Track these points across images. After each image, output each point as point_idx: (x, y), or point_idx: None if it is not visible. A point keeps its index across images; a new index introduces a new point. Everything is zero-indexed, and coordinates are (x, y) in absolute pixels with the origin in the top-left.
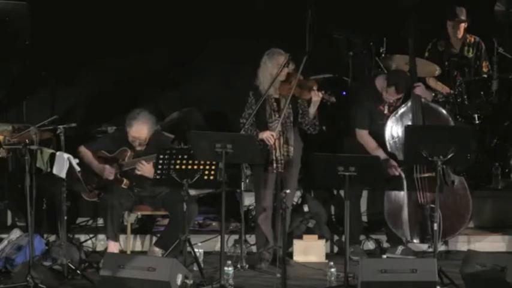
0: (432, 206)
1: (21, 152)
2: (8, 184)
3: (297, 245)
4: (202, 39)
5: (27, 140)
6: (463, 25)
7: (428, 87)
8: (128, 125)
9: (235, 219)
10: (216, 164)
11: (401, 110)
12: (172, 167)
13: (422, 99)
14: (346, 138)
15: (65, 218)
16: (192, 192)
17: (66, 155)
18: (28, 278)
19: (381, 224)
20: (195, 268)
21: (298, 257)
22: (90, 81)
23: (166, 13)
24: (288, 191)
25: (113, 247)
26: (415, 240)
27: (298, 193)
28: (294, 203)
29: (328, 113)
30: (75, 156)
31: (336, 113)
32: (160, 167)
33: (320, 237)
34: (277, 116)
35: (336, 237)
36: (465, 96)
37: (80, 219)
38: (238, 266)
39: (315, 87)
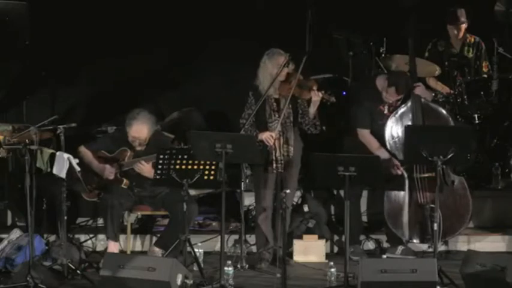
0: (432, 206)
1: (21, 152)
2: (8, 184)
3: (297, 245)
4: (202, 39)
5: (27, 140)
6: (463, 26)
7: (428, 87)
8: (127, 125)
9: (235, 219)
10: (216, 164)
11: (401, 110)
12: (172, 167)
13: (422, 99)
14: (346, 138)
15: (65, 218)
16: (192, 192)
17: (66, 155)
18: (28, 278)
19: (380, 224)
20: (195, 268)
21: (298, 257)
22: (90, 81)
23: (166, 13)
24: (288, 191)
25: (113, 247)
26: (415, 240)
27: (298, 193)
28: (294, 203)
29: (328, 113)
30: (75, 156)
31: (336, 113)
32: (160, 167)
33: (320, 237)
34: (277, 116)
35: (336, 237)
36: (465, 96)
37: (80, 219)
38: (238, 266)
39: (314, 87)
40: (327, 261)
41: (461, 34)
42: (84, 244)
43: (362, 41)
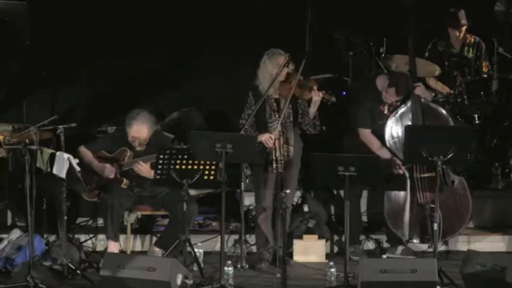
0: (432, 206)
1: (21, 152)
2: (8, 184)
3: (297, 245)
4: (202, 39)
5: (27, 140)
6: (464, 28)
7: (428, 87)
8: (127, 125)
9: (235, 219)
10: (216, 164)
11: (401, 110)
12: (172, 167)
13: (422, 99)
14: (346, 138)
15: (65, 218)
16: (192, 192)
17: (66, 155)
18: (28, 278)
19: (380, 224)
20: (195, 268)
21: (298, 257)
22: (90, 81)
23: (166, 13)
24: (288, 191)
25: (113, 247)
26: (415, 240)
27: (298, 193)
28: (294, 203)
29: (328, 113)
30: (75, 156)
31: (336, 113)
32: (160, 167)
33: (320, 237)
34: (277, 116)
35: (336, 237)
36: (465, 96)
37: (80, 219)
38: (238, 266)
39: (315, 87)
40: (327, 261)
41: (461, 35)
42: (84, 244)
43: (362, 41)
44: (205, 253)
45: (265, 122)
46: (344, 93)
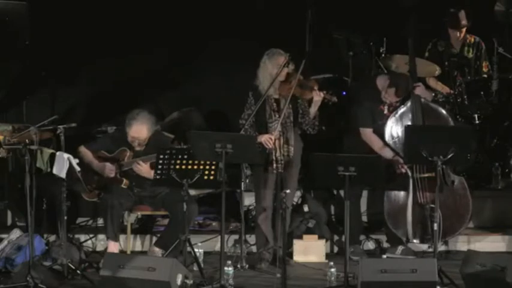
0: (432, 206)
1: (21, 152)
2: (8, 184)
3: (297, 245)
4: (202, 39)
5: (27, 140)
6: (464, 28)
7: (428, 87)
8: (127, 125)
9: (235, 219)
10: (216, 164)
11: (401, 110)
12: (172, 167)
13: (422, 99)
14: (346, 138)
15: (65, 218)
16: (192, 192)
17: (66, 155)
18: (28, 278)
19: (380, 224)
20: (195, 268)
21: (298, 257)
22: (90, 81)
23: (166, 13)
24: (288, 191)
25: (113, 247)
26: (415, 240)
27: (298, 193)
28: (294, 203)
29: (328, 113)
30: (75, 156)
31: (336, 113)
32: (160, 167)
33: (320, 237)
34: (277, 116)
35: (336, 237)
36: (465, 96)
37: (80, 219)
38: (238, 266)
39: (316, 87)
40: (327, 261)
41: (461, 35)
42: (84, 244)
43: (362, 41)
44: (205, 253)
45: (265, 122)
46: (344, 93)
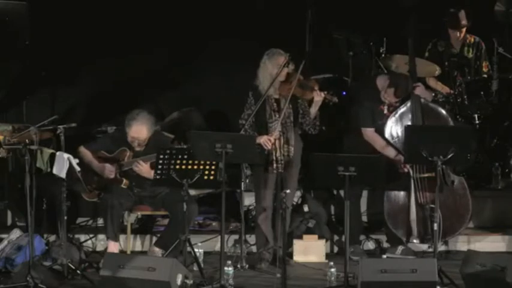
0: (432, 206)
1: (21, 152)
2: (8, 184)
3: (297, 245)
4: (202, 39)
5: (27, 140)
6: (464, 29)
7: (428, 87)
8: (127, 125)
9: (235, 219)
10: (216, 164)
11: (401, 110)
12: (172, 167)
13: (422, 99)
14: (346, 138)
15: (65, 218)
16: (192, 192)
17: (66, 155)
18: (28, 278)
19: (380, 224)
20: (195, 268)
21: (298, 257)
22: (90, 81)
23: (166, 13)
24: (288, 191)
25: (113, 247)
26: (415, 240)
27: (298, 193)
28: (294, 203)
29: (328, 113)
30: (75, 156)
31: (336, 113)
32: (160, 167)
33: (320, 237)
34: (277, 116)
35: (336, 237)
36: (465, 96)
37: (80, 219)
38: (238, 266)
39: (316, 88)
40: (327, 261)
41: (461, 35)
42: (84, 244)
43: (362, 41)
44: (205, 253)
45: (265, 122)
46: (344, 93)
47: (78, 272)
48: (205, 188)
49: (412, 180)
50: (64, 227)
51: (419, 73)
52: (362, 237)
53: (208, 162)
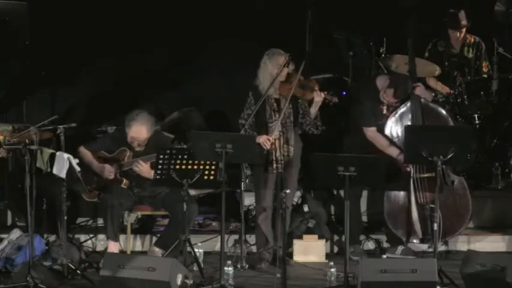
0: (432, 206)
1: (21, 152)
2: (8, 184)
3: (297, 245)
4: (202, 39)
5: (27, 140)
6: (464, 29)
7: (428, 87)
8: (127, 125)
9: (235, 219)
10: (216, 164)
11: (401, 110)
12: (172, 167)
13: (422, 99)
14: (346, 138)
15: (65, 218)
16: (192, 192)
17: (66, 155)
18: (28, 278)
19: (380, 224)
20: (195, 268)
21: (298, 257)
22: (90, 81)
23: (166, 13)
24: (288, 191)
25: (113, 247)
26: (415, 240)
27: (298, 193)
28: (294, 203)
29: (328, 113)
30: (75, 156)
31: (336, 113)
32: (160, 167)
33: (320, 237)
34: (277, 116)
35: (336, 237)
36: (465, 96)
37: (80, 219)
38: (238, 266)
39: (316, 88)
40: (327, 261)
41: (461, 35)
42: (84, 244)
43: (362, 41)
44: (205, 253)
45: (265, 122)
46: (344, 93)
47: (78, 272)
48: (205, 188)
49: (412, 180)
50: (64, 227)
51: (419, 73)
52: (362, 237)
53: (208, 162)
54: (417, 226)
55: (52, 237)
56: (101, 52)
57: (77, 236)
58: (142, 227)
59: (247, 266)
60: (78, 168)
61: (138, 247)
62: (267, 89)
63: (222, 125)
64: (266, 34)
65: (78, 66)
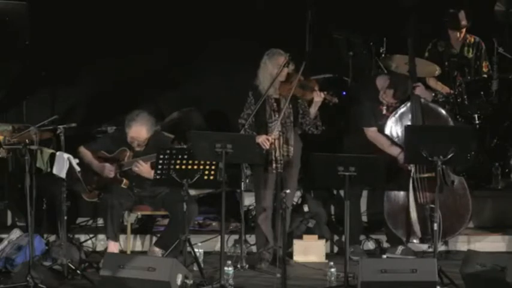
0: (432, 206)
1: (21, 152)
2: (8, 184)
3: (297, 245)
4: (202, 39)
5: (27, 140)
6: (464, 28)
7: (428, 87)
8: (127, 126)
9: (235, 219)
10: (216, 164)
11: (401, 110)
12: (172, 167)
13: (422, 100)
14: (346, 138)
15: (65, 218)
16: (192, 192)
17: (66, 155)
18: (28, 278)
19: (380, 224)
20: (195, 268)
21: (298, 257)
22: (90, 81)
23: (166, 13)
24: (288, 191)
25: (113, 247)
26: (415, 240)
27: (298, 193)
28: (294, 203)
29: (328, 113)
30: (75, 156)
31: (336, 113)
32: (160, 167)
33: (320, 237)
34: (277, 116)
35: (336, 237)
36: (465, 96)
37: (80, 219)
38: (238, 266)
39: (316, 88)
40: (327, 261)
41: (461, 36)
42: (84, 244)
43: (362, 41)
44: (205, 253)
45: (265, 122)
46: (344, 93)
47: (78, 272)
48: (205, 188)
49: (412, 180)
50: (64, 227)
51: (419, 73)
52: (362, 237)
53: (208, 162)
54: (416, 226)
55: (52, 237)
56: (101, 52)
57: (77, 236)
58: (142, 227)
59: (247, 266)
60: (78, 168)
61: (138, 247)
62: (267, 89)
63: (222, 125)
64: (266, 34)
65: (78, 66)
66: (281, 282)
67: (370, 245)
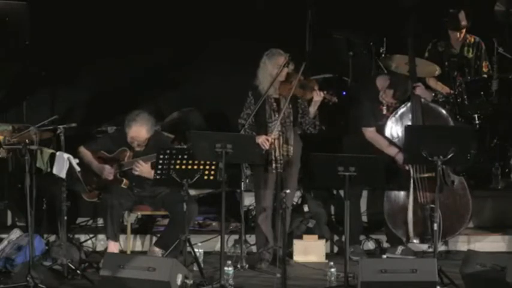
0: (432, 206)
1: (21, 152)
2: (8, 184)
3: (297, 245)
4: (202, 39)
5: (27, 140)
6: (464, 28)
7: (428, 87)
8: (126, 126)
9: (235, 219)
10: (216, 164)
11: (401, 110)
12: (172, 167)
13: (422, 100)
14: (346, 138)
15: (65, 218)
16: (192, 192)
17: (66, 155)
18: (28, 278)
19: (381, 224)
20: (195, 268)
21: (298, 257)
22: (90, 81)
23: (166, 13)
24: (288, 191)
25: (113, 247)
26: (415, 240)
27: (298, 193)
28: (294, 203)
29: (328, 113)
30: (75, 156)
31: (336, 113)
32: (160, 167)
33: (320, 237)
34: (277, 116)
35: (336, 237)
36: (465, 96)
37: (80, 219)
38: (238, 266)
39: (316, 87)
40: (327, 261)
41: (461, 36)
42: (84, 244)
43: (362, 41)
44: (205, 253)
45: (265, 122)
46: (344, 93)
47: (78, 272)
48: (205, 188)
49: (412, 180)
50: (64, 227)
51: (419, 73)
52: (362, 237)
53: (208, 162)
54: (411, 227)
55: (52, 237)
56: (101, 52)
57: (77, 236)
58: (142, 227)
59: (247, 266)
60: (78, 168)
61: (138, 247)
62: (267, 89)
63: (222, 125)
64: (266, 34)
65: (78, 66)
66: (281, 282)
67: (370, 245)
